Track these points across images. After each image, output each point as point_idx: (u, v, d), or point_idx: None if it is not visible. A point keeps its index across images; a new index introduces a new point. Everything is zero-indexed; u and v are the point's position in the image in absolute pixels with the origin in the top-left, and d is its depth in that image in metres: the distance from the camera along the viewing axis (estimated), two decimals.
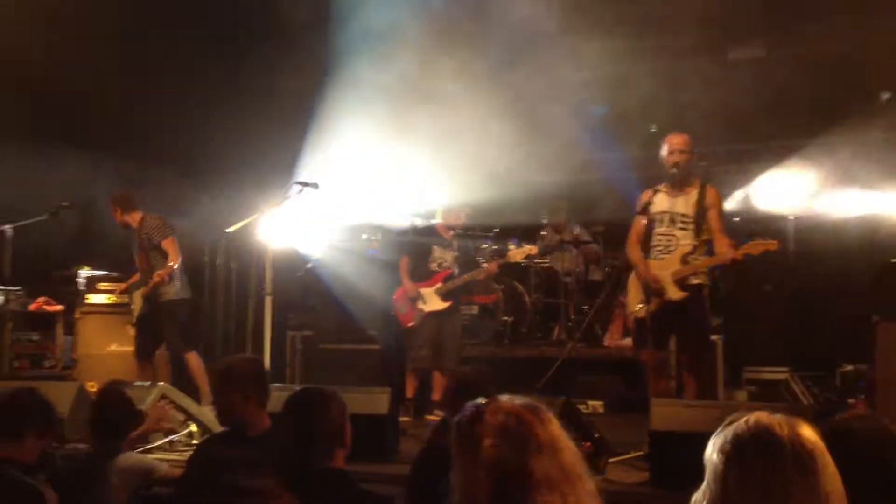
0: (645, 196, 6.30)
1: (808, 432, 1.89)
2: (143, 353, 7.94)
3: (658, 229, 6.22)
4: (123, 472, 4.27)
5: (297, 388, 3.61)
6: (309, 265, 9.28)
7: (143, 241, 7.91)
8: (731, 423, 1.94)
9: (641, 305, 6.03)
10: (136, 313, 7.95)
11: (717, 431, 1.95)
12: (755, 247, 5.85)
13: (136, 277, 8.14)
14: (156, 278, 7.61)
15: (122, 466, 4.28)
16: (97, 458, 4.30)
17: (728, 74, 9.93)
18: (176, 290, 7.84)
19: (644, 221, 6.23)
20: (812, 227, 8.88)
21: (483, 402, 2.08)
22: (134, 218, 8.02)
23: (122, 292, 8.35)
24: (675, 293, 6.01)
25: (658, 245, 6.20)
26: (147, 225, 7.93)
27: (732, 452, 1.87)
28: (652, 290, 6.04)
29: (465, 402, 3.96)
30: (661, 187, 6.26)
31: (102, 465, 4.24)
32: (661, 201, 6.23)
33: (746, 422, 1.90)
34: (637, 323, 6.14)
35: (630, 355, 8.59)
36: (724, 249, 5.97)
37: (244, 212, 7.75)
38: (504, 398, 2.08)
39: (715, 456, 1.90)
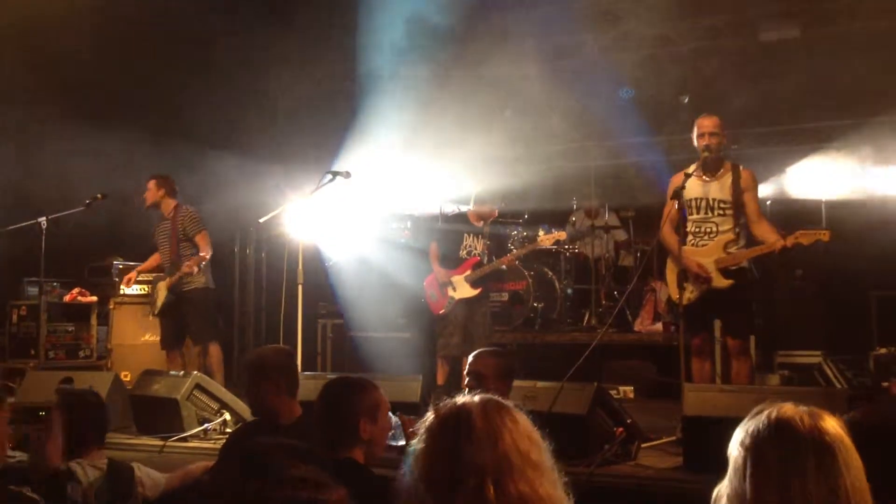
0: (676, 180, 6.11)
1: (831, 426, 1.85)
2: (171, 342, 7.97)
3: (694, 216, 6.09)
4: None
5: (331, 376, 3.62)
6: (331, 262, 9.32)
7: (177, 231, 7.90)
8: (756, 413, 1.92)
9: (690, 293, 5.97)
10: (158, 304, 7.92)
11: (742, 423, 1.93)
12: (807, 236, 5.69)
13: (151, 263, 8.26)
14: (185, 269, 7.59)
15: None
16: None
17: (761, 55, 9.84)
18: (205, 280, 7.86)
19: (676, 207, 6.00)
20: (845, 210, 8.78)
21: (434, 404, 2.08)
22: (168, 204, 8.01)
23: (140, 280, 8.45)
24: (720, 281, 5.93)
25: (697, 232, 6.08)
26: (183, 215, 7.92)
27: (751, 446, 1.85)
28: (697, 278, 5.97)
29: (498, 384, 3.94)
30: (693, 171, 6.07)
31: None
32: (695, 186, 6.06)
33: (769, 415, 1.88)
34: (683, 309, 5.92)
35: (661, 340, 8.58)
36: (770, 237, 5.84)
37: (276, 201, 7.80)
38: (459, 398, 2.07)
39: (735, 449, 1.89)
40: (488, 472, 1.85)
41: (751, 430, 1.87)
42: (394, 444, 3.45)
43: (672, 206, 6.01)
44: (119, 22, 9.17)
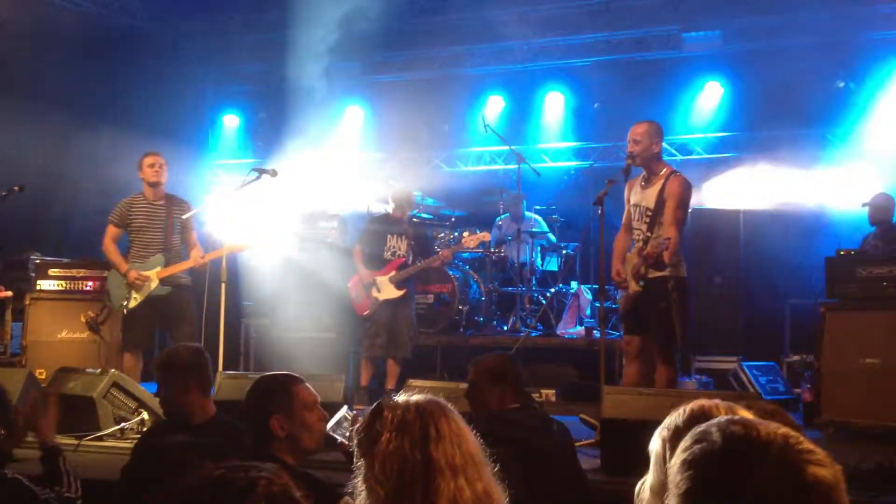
0: (629, 186, 6.36)
1: (744, 413, 1.92)
2: (141, 341, 7.34)
3: (633, 223, 6.28)
4: None
5: (252, 375, 3.61)
6: (254, 261, 9.19)
7: (173, 220, 7.33)
8: (675, 411, 1.98)
9: (621, 296, 6.22)
10: (139, 296, 7.24)
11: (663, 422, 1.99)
12: (655, 248, 5.89)
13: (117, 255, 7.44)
14: (202, 259, 7.16)
15: None
16: None
17: (683, 66, 10.07)
18: (191, 279, 7.42)
19: (629, 212, 6.31)
20: (762, 220, 9.03)
21: (379, 402, 2.15)
22: (162, 190, 7.40)
23: (57, 276, 8.16)
24: (632, 288, 6.09)
25: (634, 238, 6.27)
26: (183, 208, 7.42)
27: (670, 436, 1.91)
28: (618, 284, 6.20)
29: (494, 389, 4.03)
30: (640, 177, 6.26)
31: None
32: (636, 193, 6.26)
33: (685, 409, 1.95)
34: (612, 313, 6.29)
35: (583, 344, 8.71)
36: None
37: (200, 197, 7.69)
38: (403, 396, 2.14)
39: (655, 443, 1.94)
40: (458, 471, 1.96)
41: (669, 422, 1.94)
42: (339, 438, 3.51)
43: (626, 211, 6.35)
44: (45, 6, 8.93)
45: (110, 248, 7.40)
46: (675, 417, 1.95)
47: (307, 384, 3.38)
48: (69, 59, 9.23)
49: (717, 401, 1.97)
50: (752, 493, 1.30)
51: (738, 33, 9.82)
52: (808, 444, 1.36)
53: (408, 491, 1.97)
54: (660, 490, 1.90)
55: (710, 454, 1.37)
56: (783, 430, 1.38)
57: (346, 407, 3.48)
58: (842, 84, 9.41)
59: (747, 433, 1.38)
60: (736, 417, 1.44)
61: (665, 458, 1.89)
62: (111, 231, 7.41)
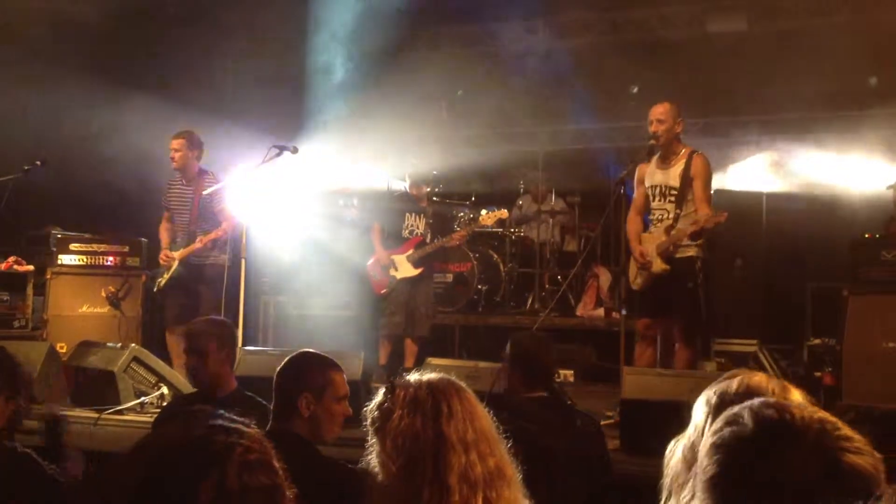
0: (640, 168, 6.32)
1: (796, 396, 1.89)
2: (172, 320, 7.29)
3: (654, 203, 6.24)
4: None
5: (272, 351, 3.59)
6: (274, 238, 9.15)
7: (200, 201, 7.20)
8: (727, 377, 1.94)
9: (640, 277, 6.15)
10: (165, 277, 7.33)
11: (710, 386, 1.95)
12: (708, 220, 5.84)
13: (166, 236, 7.53)
14: (198, 244, 7.07)
15: None
16: None
17: (707, 47, 9.96)
18: (224, 257, 7.16)
19: (643, 194, 6.28)
20: (785, 202, 8.95)
21: (393, 381, 2.16)
22: (193, 167, 7.28)
23: (79, 250, 8.16)
24: (658, 266, 6.03)
25: (654, 218, 6.23)
26: (209, 183, 7.21)
27: (717, 405, 1.87)
28: (640, 264, 6.12)
29: (523, 370, 3.99)
30: (655, 159, 6.24)
31: None
32: (655, 174, 6.22)
33: (740, 380, 1.90)
34: (633, 293, 6.25)
35: (602, 325, 8.68)
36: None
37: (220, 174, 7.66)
38: (415, 375, 2.15)
39: (700, 408, 1.90)
40: (470, 447, 1.99)
41: (719, 390, 1.89)
42: None
43: (639, 193, 6.32)
44: None
45: (160, 230, 7.59)
46: (725, 386, 1.90)
47: (344, 376, 3.37)
48: (94, 28, 9.17)
49: (773, 380, 1.93)
50: (784, 482, 1.24)
51: (763, 13, 9.70)
52: (846, 431, 1.30)
53: (419, 466, 1.99)
54: (692, 454, 1.86)
55: (741, 439, 1.31)
56: (820, 414, 1.32)
57: None
58: (874, 80, 9.30)
59: (781, 418, 1.31)
60: (770, 400, 1.37)
61: (706, 426, 1.85)
62: (164, 213, 7.58)
